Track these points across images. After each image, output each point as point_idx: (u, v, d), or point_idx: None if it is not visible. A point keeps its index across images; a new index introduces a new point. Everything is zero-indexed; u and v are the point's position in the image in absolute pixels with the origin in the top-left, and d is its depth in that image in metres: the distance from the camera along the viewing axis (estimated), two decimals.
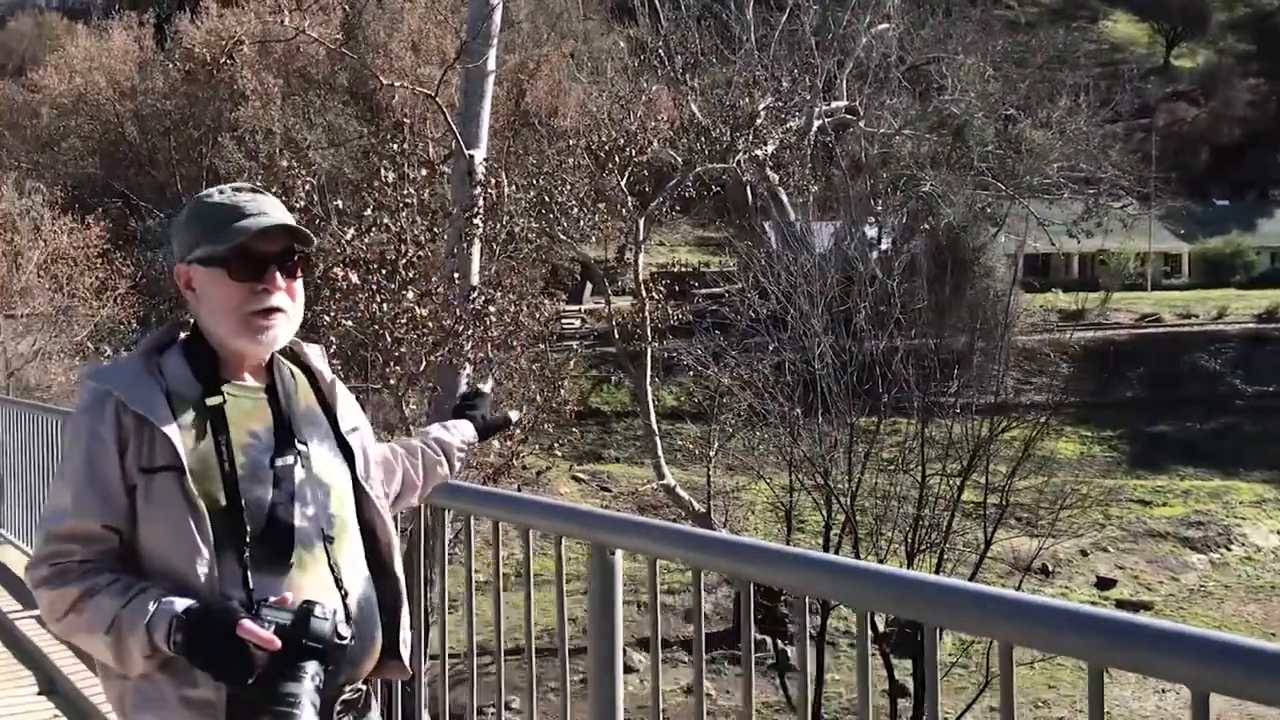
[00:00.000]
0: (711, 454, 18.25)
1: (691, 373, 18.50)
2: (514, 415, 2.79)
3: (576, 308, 29.04)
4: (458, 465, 2.53)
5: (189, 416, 1.89)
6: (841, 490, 13.97)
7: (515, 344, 12.14)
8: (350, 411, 2.16)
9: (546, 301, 15.07)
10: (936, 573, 13.92)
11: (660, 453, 18.76)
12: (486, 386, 2.86)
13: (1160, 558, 23.56)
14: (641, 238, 19.49)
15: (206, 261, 1.95)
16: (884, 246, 30.67)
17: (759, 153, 24.35)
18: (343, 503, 2.03)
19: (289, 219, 1.99)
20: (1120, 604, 21.14)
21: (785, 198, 33.14)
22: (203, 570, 1.82)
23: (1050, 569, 21.62)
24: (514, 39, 22.83)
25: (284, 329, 1.99)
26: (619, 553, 2.57)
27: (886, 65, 37.81)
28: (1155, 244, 51.24)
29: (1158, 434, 31.17)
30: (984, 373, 16.70)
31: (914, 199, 34.71)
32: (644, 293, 18.39)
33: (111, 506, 1.84)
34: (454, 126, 12.97)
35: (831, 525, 15.19)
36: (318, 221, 11.02)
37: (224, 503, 1.86)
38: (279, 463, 1.94)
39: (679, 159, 21.25)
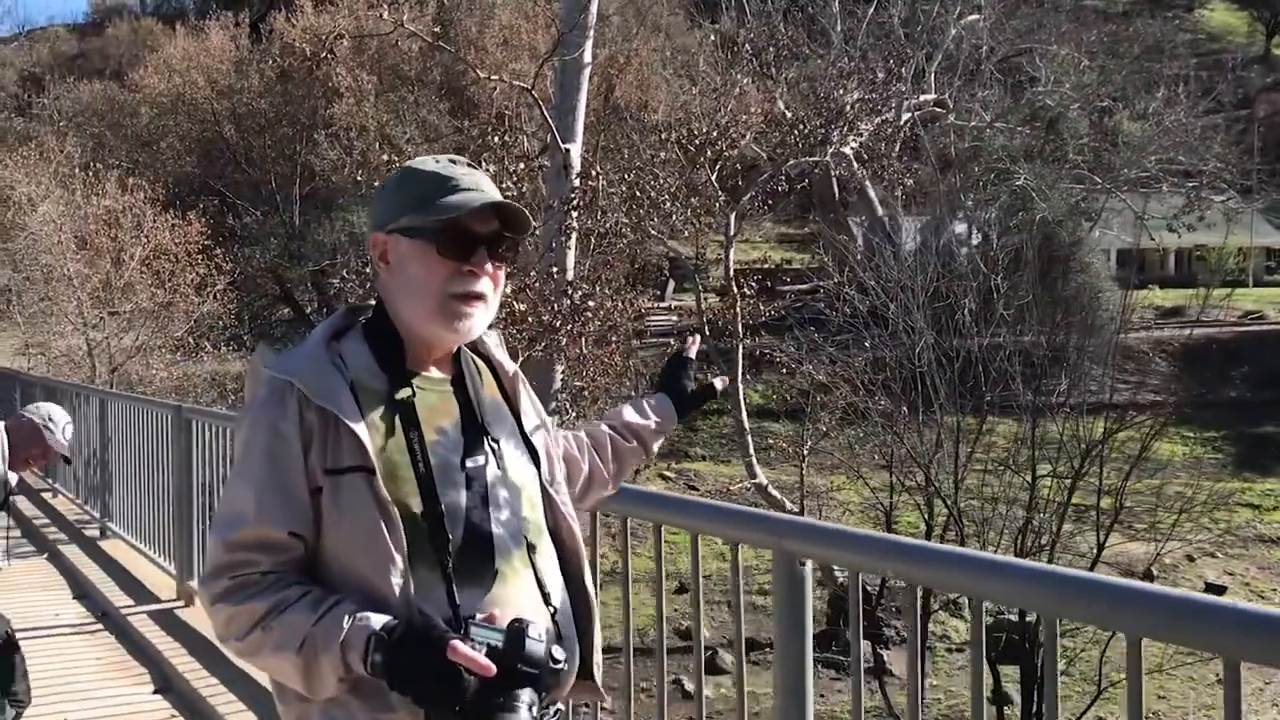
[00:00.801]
0: (805, 452, 17.88)
1: (784, 370, 18.13)
2: (719, 383, 2.36)
3: (662, 304, 28.85)
4: (655, 450, 2.26)
5: (376, 411, 1.69)
6: (946, 491, 13.52)
7: (613, 340, 11.94)
8: (532, 407, 1.95)
9: (638, 298, 14.86)
10: None
11: (752, 451, 18.44)
12: (692, 349, 2.38)
13: (1272, 564, 22.58)
14: (733, 233, 19.21)
15: (411, 233, 1.74)
16: (975, 242, 29.98)
17: (848, 147, 23.89)
18: (534, 507, 1.82)
19: (502, 198, 1.79)
20: None
21: (873, 193, 32.63)
22: (396, 582, 1.61)
23: (1155, 574, 20.82)
24: (603, 33, 22.66)
25: (482, 318, 1.78)
26: (810, 564, 2.33)
27: (977, 57, 37.15)
28: (1257, 239, 49.53)
29: (1264, 435, 29.95)
30: (1087, 372, 16.08)
31: (1007, 193, 33.94)
32: (735, 288, 18.10)
33: (297, 511, 1.64)
34: (550, 120, 12.82)
35: (933, 527, 14.76)
36: None
37: (419, 508, 1.66)
38: (470, 463, 1.74)
39: (765, 154, 20.91)
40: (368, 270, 10.39)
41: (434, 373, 1.81)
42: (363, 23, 22.02)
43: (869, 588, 17.89)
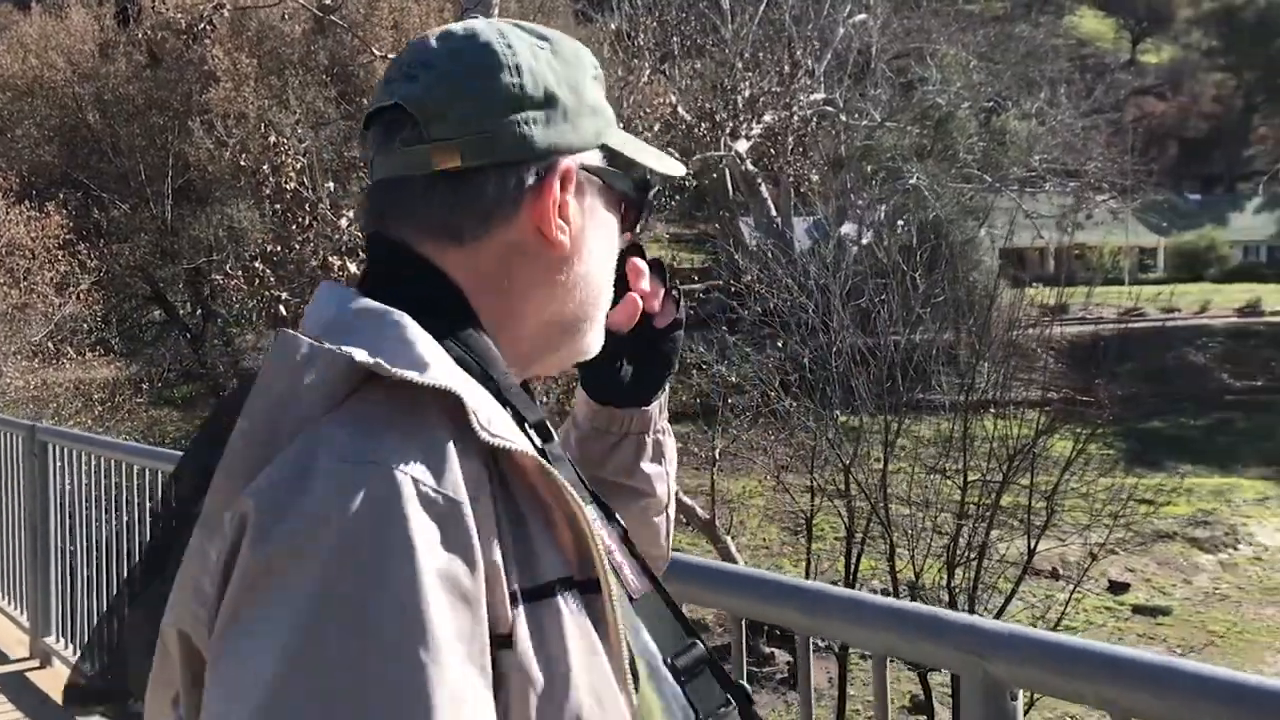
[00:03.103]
0: (715, 455, 17.23)
1: (697, 369, 17.48)
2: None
3: None
4: (649, 475, 1.22)
5: None
6: (874, 492, 12.97)
7: None
8: None
9: None
10: (974, 585, 13.02)
11: None
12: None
13: (1170, 559, 22.82)
14: (639, 229, 18.58)
15: (608, 178, 1.02)
16: (865, 241, 29.99)
17: (743, 144, 23.46)
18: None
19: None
20: (1137, 609, 20.43)
21: (765, 191, 32.40)
22: None
23: (1060, 572, 20.78)
24: (499, 17, 21.75)
25: None
26: (1021, 696, 1.52)
27: (867, 56, 37.45)
28: (1131, 238, 51.39)
29: (1152, 430, 30.59)
30: (1012, 373, 15.79)
31: (899, 192, 34.20)
32: None
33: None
34: None
35: (854, 533, 14.22)
36: (309, 206, 9.88)
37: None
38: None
39: (673, 151, 20.32)
40: (256, 265, 9.28)
41: None
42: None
43: None
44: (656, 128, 17.29)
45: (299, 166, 9.35)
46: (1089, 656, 1.48)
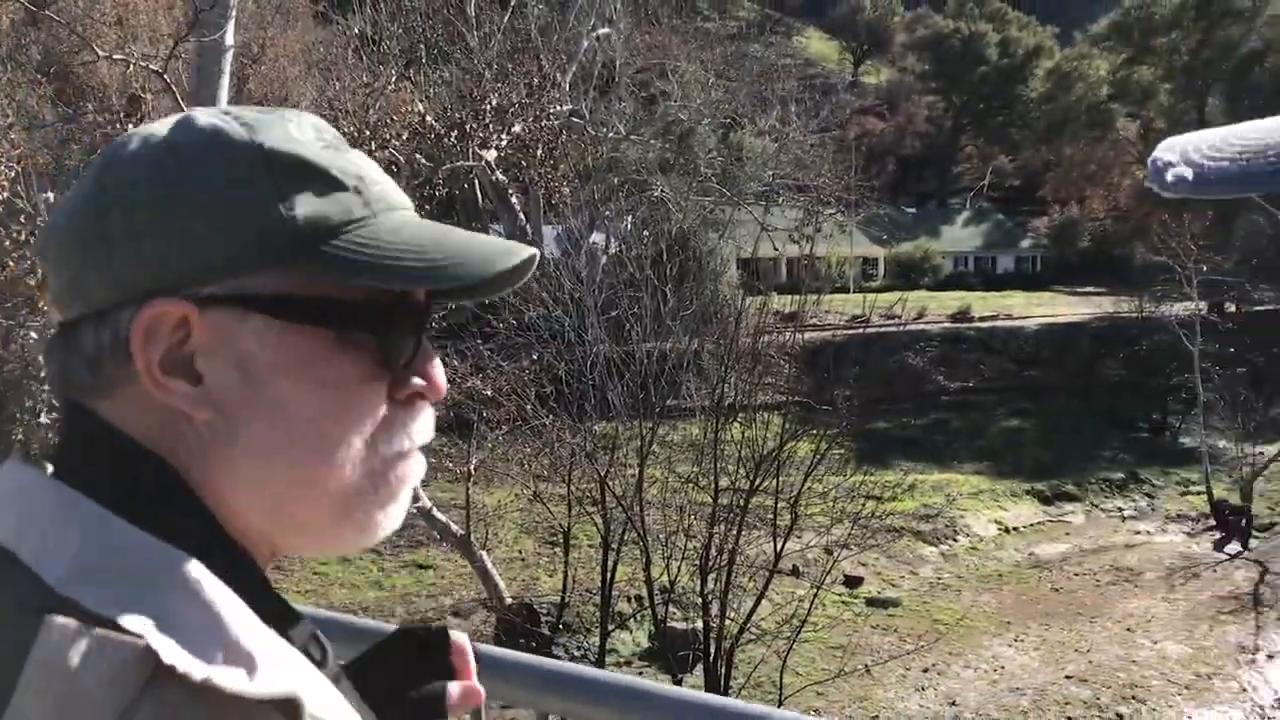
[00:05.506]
0: (471, 469, 17.06)
1: (449, 382, 17.22)
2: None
3: None
4: None
5: None
6: (629, 501, 13.19)
7: None
8: None
9: None
10: (726, 590, 13.43)
11: None
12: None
13: (898, 553, 24.31)
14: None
15: (296, 310, 0.74)
16: (612, 250, 30.58)
17: (490, 154, 23.38)
18: None
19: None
20: (870, 601, 21.65)
21: (515, 200, 32.45)
22: None
23: (800, 570, 21.79)
24: (237, 18, 20.63)
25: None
26: None
27: (612, 70, 38.17)
28: (856, 248, 54.63)
29: (879, 431, 32.49)
30: (759, 379, 16.44)
31: (645, 204, 35.00)
32: None
33: None
34: (185, 109, 11.20)
35: (609, 542, 14.40)
36: (24, 218, 9.07)
37: None
38: None
39: (406, 156, 20.00)
40: None
41: None
42: None
43: (537, 607, 17.36)
44: (405, 136, 16.98)
45: (11, 175, 8.55)
46: None
